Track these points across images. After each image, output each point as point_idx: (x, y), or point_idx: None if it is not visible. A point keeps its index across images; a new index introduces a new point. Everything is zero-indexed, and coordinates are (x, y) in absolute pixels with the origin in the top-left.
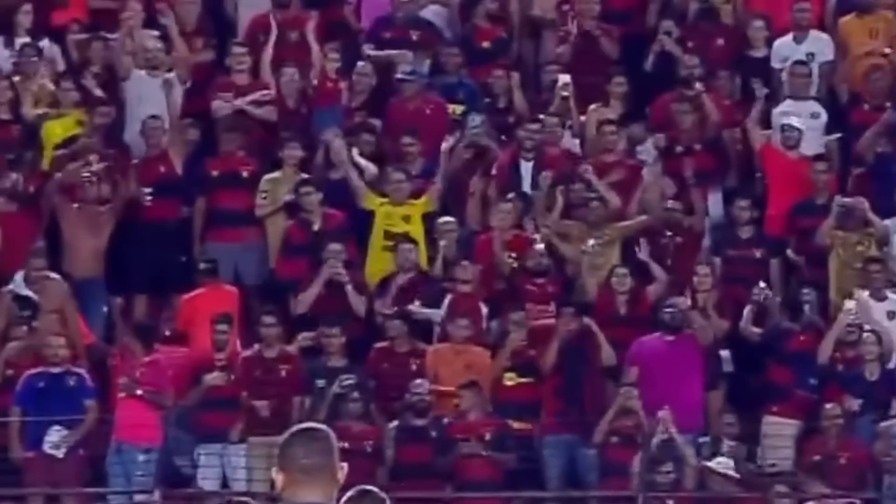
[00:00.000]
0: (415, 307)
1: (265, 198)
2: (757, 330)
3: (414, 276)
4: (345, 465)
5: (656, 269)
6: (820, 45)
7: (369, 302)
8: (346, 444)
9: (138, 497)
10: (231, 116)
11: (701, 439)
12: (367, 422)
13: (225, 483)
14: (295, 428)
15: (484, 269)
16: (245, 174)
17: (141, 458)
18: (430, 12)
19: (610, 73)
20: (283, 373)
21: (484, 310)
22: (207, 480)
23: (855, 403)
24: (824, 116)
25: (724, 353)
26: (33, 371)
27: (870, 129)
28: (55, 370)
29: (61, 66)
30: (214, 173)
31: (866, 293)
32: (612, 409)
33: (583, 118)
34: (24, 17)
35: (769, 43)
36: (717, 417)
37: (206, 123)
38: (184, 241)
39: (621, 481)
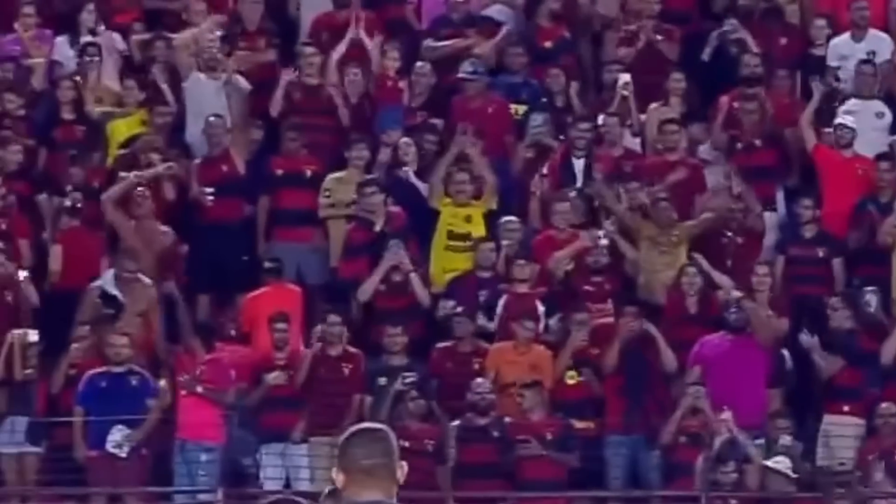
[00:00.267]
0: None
1: (328, 197)
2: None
3: (490, 276)
4: (404, 464)
5: (717, 276)
6: (879, 44)
7: (433, 301)
8: (407, 444)
9: (202, 496)
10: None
11: (758, 440)
12: (427, 421)
13: (288, 483)
14: (354, 428)
15: (543, 267)
16: (309, 173)
17: (203, 457)
18: (494, 11)
19: (670, 72)
20: (346, 372)
21: (541, 308)
22: (270, 480)
23: None
24: (889, 116)
25: (786, 352)
26: (95, 371)
27: None
28: (117, 370)
29: (123, 66)
30: (278, 172)
31: None
32: (680, 408)
33: (643, 117)
34: (88, 17)
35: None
36: (776, 416)
37: (270, 123)
38: (246, 240)
39: (686, 481)
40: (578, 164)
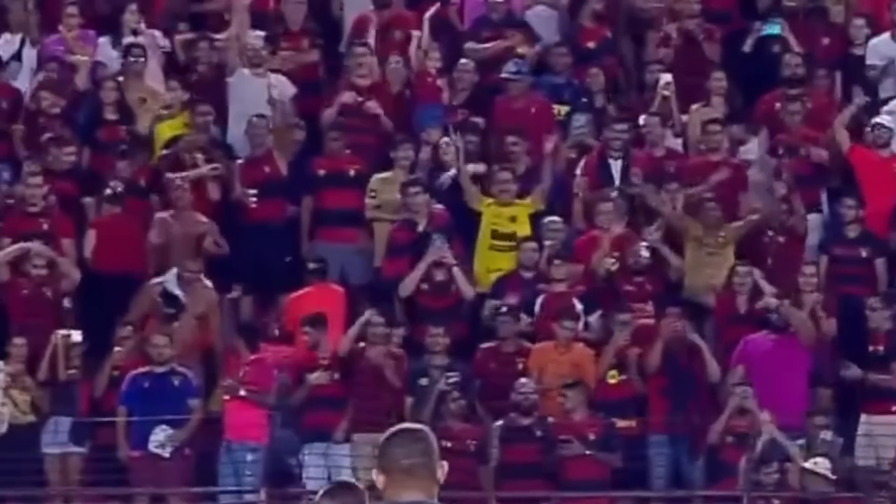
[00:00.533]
0: None
1: (374, 197)
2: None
3: (532, 276)
4: (445, 463)
5: (760, 281)
6: None
7: (476, 301)
8: (449, 444)
9: (245, 497)
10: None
11: (800, 440)
12: (469, 421)
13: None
14: (395, 428)
15: (586, 266)
16: (352, 173)
17: (249, 457)
18: (538, 11)
19: (711, 72)
20: (389, 372)
21: (579, 307)
22: (312, 480)
23: None
24: None
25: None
26: (138, 371)
27: None
28: (160, 370)
29: (166, 65)
30: (321, 173)
31: None
32: (728, 408)
33: (685, 118)
34: (130, 17)
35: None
36: (817, 414)
37: (313, 123)
38: (289, 241)
39: (731, 482)
40: (616, 165)
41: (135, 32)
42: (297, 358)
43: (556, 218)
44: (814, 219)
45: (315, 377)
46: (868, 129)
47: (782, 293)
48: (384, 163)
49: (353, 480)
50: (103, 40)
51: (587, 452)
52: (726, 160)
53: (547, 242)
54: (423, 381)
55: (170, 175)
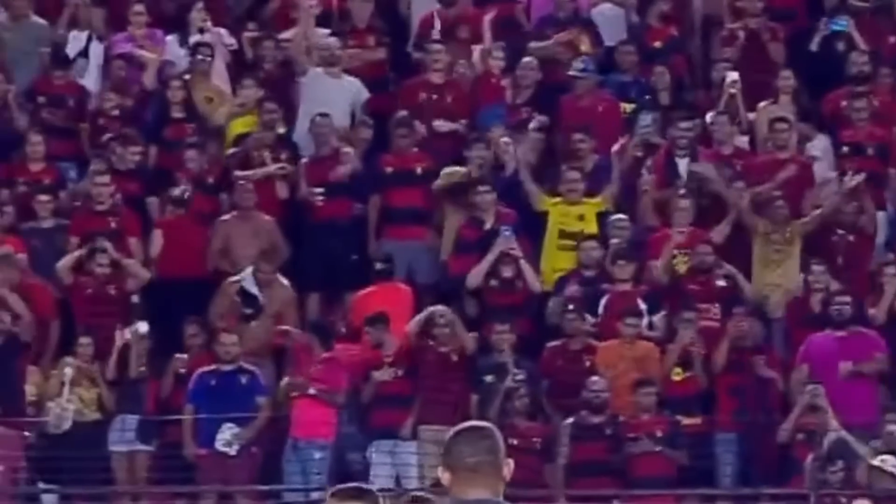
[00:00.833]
0: None
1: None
2: None
3: (594, 275)
4: (511, 461)
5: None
6: None
7: (543, 299)
8: (515, 442)
9: (312, 495)
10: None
11: (868, 437)
12: (535, 419)
13: (398, 480)
14: (461, 426)
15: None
16: (419, 171)
17: (317, 455)
18: (605, 10)
19: (776, 70)
20: (455, 369)
21: (643, 306)
22: (379, 477)
23: None
24: None
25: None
26: (205, 369)
27: None
28: (227, 368)
29: (232, 63)
30: (389, 170)
31: None
32: (798, 407)
33: (752, 116)
34: (197, 16)
35: None
36: (887, 411)
37: (380, 121)
38: (357, 239)
39: (800, 480)
40: (682, 164)
41: (201, 31)
42: (363, 356)
43: (622, 216)
44: (879, 217)
45: (379, 374)
46: None
47: (853, 291)
48: (457, 162)
49: (366, 486)
50: (170, 39)
51: (657, 449)
52: (794, 157)
53: (613, 241)
54: (489, 379)
55: (237, 173)
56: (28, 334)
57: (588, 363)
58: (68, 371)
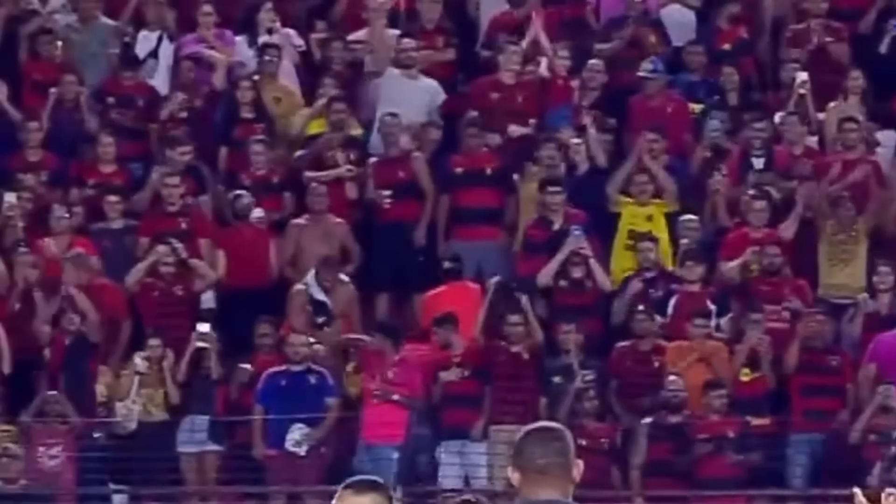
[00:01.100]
0: None
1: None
2: None
3: (656, 275)
4: (580, 462)
5: None
6: None
7: (609, 299)
8: (584, 442)
9: None
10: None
11: None
12: (603, 419)
13: (467, 480)
14: (531, 427)
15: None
16: (489, 171)
17: (393, 455)
18: (672, 11)
19: (845, 70)
20: (524, 369)
21: (711, 307)
22: (448, 478)
23: None
24: None
25: None
26: (275, 369)
27: None
28: (296, 368)
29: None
30: (458, 170)
31: None
32: (870, 407)
33: (821, 116)
34: (265, 16)
35: None
36: None
37: (449, 121)
38: (425, 239)
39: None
40: (758, 164)
41: (270, 31)
42: (431, 356)
43: (692, 216)
44: None
45: (446, 375)
46: None
47: None
48: (522, 161)
49: (380, 480)
50: (240, 39)
51: (728, 451)
52: (863, 157)
53: (683, 241)
54: (557, 380)
55: (309, 174)
56: (97, 335)
57: (657, 364)
58: (140, 363)
